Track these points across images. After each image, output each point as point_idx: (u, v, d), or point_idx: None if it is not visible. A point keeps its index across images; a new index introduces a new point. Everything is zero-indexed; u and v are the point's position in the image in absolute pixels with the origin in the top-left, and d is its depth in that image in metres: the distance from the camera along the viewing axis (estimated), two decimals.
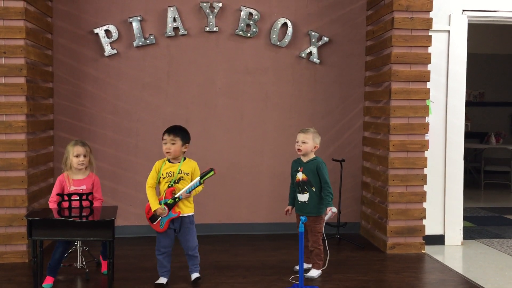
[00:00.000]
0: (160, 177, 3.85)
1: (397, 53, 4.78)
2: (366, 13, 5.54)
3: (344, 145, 5.61)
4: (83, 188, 3.92)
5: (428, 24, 4.78)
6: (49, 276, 3.84)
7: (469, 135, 8.74)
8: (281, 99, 5.53)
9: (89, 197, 3.82)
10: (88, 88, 5.31)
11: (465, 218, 6.12)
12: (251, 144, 5.53)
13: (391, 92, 4.79)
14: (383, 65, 5.02)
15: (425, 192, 4.91)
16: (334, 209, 4.02)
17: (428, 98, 4.87)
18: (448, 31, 5.25)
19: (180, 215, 3.81)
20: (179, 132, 3.85)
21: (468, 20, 5.30)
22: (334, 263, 4.48)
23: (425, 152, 4.90)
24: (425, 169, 4.90)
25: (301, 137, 4.15)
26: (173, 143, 3.81)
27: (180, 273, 4.13)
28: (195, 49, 5.40)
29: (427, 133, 4.89)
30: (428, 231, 5.14)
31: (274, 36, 5.44)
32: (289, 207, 4.30)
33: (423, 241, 4.94)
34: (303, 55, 5.49)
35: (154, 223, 3.83)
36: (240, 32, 5.41)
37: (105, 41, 5.25)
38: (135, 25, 5.26)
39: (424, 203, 4.92)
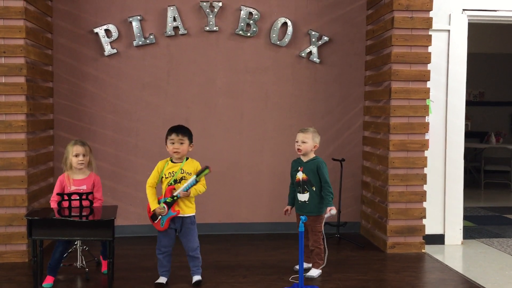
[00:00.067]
0: (163, 177, 3.85)
1: (397, 52, 4.78)
2: (366, 12, 5.54)
3: (344, 144, 5.61)
4: (83, 188, 3.92)
5: (428, 23, 4.78)
6: (49, 276, 3.84)
7: (469, 135, 8.73)
8: (281, 98, 5.53)
9: (89, 197, 3.82)
10: (88, 87, 5.31)
11: (465, 218, 6.12)
12: (251, 144, 5.53)
13: (391, 91, 4.79)
14: (383, 64, 5.02)
15: (425, 191, 4.91)
16: (333, 211, 4.02)
17: (428, 98, 4.86)
18: (448, 31, 5.25)
19: (180, 213, 3.81)
20: (186, 131, 3.87)
21: (468, 20, 5.30)
22: (334, 262, 4.49)
23: (425, 151, 4.90)
24: (425, 168, 4.90)
25: (300, 136, 4.15)
26: (181, 143, 3.82)
27: (180, 273, 4.13)
28: (195, 48, 5.40)
29: (427, 132, 4.89)
30: (428, 231, 5.14)
31: (274, 35, 5.44)
32: (288, 207, 4.30)
33: (423, 240, 4.94)
34: (303, 54, 5.49)
35: (155, 222, 3.84)
36: (240, 32, 5.41)
37: (105, 40, 5.25)
38: (135, 24, 5.26)
39: (424, 202, 4.92)
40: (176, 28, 5.33)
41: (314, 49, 5.49)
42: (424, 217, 4.91)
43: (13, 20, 4.36)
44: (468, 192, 6.98)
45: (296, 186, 4.21)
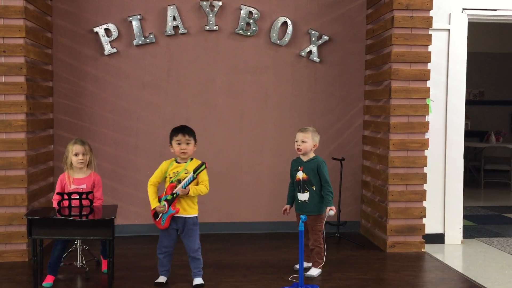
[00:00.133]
0: (167, 177, 3.85)
1: (397, 51, 4.77)
2: (366, 11, 5.53)
3: (344, 144, 5.61)
4: (83, 187, 3.93)
5: (428, 22, 4.78)
6: (49, 275, 3.84)
7: (469, 134, 8.72)
8: (281, 98, 5.53)
9: (89, 196, 3.82)
10: (88, 87, 5.31)
11: (465, 217, 6.12)
12: (251, 143, 5.53)
13: (391, 91, 4.79)
14: (383, 63, 5.02)
15: (425, 190, 4.91)
16: (332, 212, 4.02)
17: (428, 97, 4.86)
18: (448, 30, 5.25)
19: (179, 211, 3.80)
20: (192, 131, 3.88)
21: (468, 19, 5.29)
22: (334, 261, 4.49)
23: (425, 151, 4.90)
24: (425, 167, 4.90)
25: (300, 136, 4.15)
26: (188, 143, 3.83)
27: (181, 272, 4.13)
28: (195, 48, 5.40)
29: (427, 131, 4.89)
30: (428, 230, 5.14)
31: (274, 34, 5.44)
32: (287, 206, 4.30)
33: (423, 239, 4.94)
34: (303, 54, 5.49)
35: (157, 220, 3.84)
36: (240, 31, 5.41)
37: (105, 40, 5.25)
38: (135, 23, 5.26)
39: (424, 201, 4.92)
40: (176, 28, 5.32)
41: (314, 49, 5.49)
42: (424, 216, 4.91)
43: (13, 19, 4.36)
44: (468, 191, 6.99)
45: (296, 186, 4.21)
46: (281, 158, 5.37)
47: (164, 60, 5.37)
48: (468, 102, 6.30)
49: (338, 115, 5.60)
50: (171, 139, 3.88)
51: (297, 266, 4.19)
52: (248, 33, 5.42)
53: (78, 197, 3.78)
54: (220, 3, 5.32)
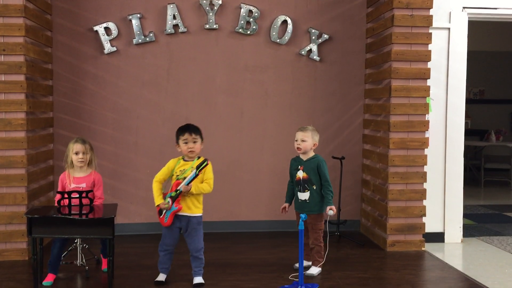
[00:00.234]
0: (173, 175, 3.85)
1: (397, 50, 4.77)
2: (366, 10, 5.53)
3: (344, 142, 5.60)
4: (83, 186, 3.92)
5: (428, 21, 4.77)
6: (50, 274, 3.85)
7: (469, 133, 8.74)
8: (281, 96, 5.52)
9: (89, 195, 3.82)
10: (87, 85, 5.31)
11: (465, 216, 6.12)
12: (251, 142, 5.53)
13: (391, 89, 4.79)
14: (383, 62, 5.02)
15: (425, 189, 4.91)
16: (332, 212, 4.02)
17: (428, 96, 4.86)
18: (448, 29, 5.24)
19: (182, 209, 3.79)
20: (198, 130, 3.88)
21: (469, 18, 5.29)
22: (334, 260, 4.49)
23: (425, 149, 4.89)
24: (425, 166, 4.90)
25: (300, 135, 4.15)
26: (195, 142, 3.83)
27: (181, 271, 4.13)
28: (195, 46, 5.39)
29: (427, 130, 4.89)
30: (428, 229, 5.14)
31: (274, 33, 5.43)
32: (286, 204, 4.30)
33: (423, 238, 4.94)
34: (303, 52, 5.49)
35: (161, 217, 3.85)
36: (240, 30, 5.40)
37: (104, 38, 5.24)
38: (135, 22, 5.26)
39: (424, 200, 4.91)
40: (176, 26, 5.32)
41: (314, 47, 5.48)
42: (424, 215, 4.91)
43: (12, 18, 4.36)
44: (468, 190, 6.99)
45: (297, 185, 4.21)
46: (281, 156, 5.37)
47: (164, 59, 5.37)
48: (468, 101, 6.30)
49: (338, 114, 5.59)
50: (177, 138, 3.87)
51: (297, 264, 4.19)
52: (248, 32, 5.41)
53: (78, 196, 3.78)
54: (220, 2, 5.32)
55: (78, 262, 4.10)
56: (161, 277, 3.92)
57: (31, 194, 4.56)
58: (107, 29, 5.25)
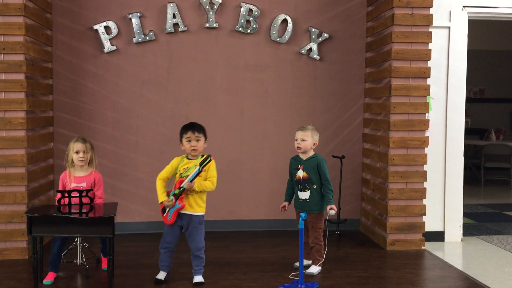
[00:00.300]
0: (177, 173, 3.85)
1: (397, 49, 4.77)
2: (366, 9, 5.52)
3: (344, 141, 5.60)
4: (83, 185, 3.92)
5: (428, 20, 4.77)
6: (50, 272, 3.86)
7: (469, 132, 8.75)
8: (281, 95, 5.52)
9: (89, 194, 3.82)
10: (87, 84, 5.30)
11: (465, 215, 6.12)
12: (251, 141, 5.52)
13: (391, 88, 4.79)
14: (383, 61, 5.01)
15: (425, 188, 4.91)
16: (332, 211, 4.02)
17: (428, 95, 4.86)
18: (449, 27, 5.24)
19: (185, 207, 3.79)
20: (201, 128, 3.89)
21: (469, 16, 5.29)
22: (334, 259, 4.49)
23: (425, 148, 4.89)
24: (425, 165, 4.90)
25: (300, 135, 4.14)
26: (198, 140, 3.84)
27: (181, 270, 4.13)
28: (195, 45, 5.39)
29: (427, 129, 4.89)
30: (428, 228, 5.14)
31: (274, 32, 5.43)
32: (286, 203, 4.30)
33: (423, 237, 4.94)
34: (303, 51, 5.48)
35: (164, 215, 3.85)
36: (240, 29, 5.40)
37: (104, 37, 5.24)
38: (135, 21, 5.25)
39: (424, 199, 4.92)
40: (176, 25, 5.32)
41: (314, 46, 5.48)
42: (424, 214, 4.91)
43: (12, 16, 4.36)
44: (468, 189, 6.99)
45: (297, 185, 4.21)
46: (281, 155, 5.37)
47: (164, 58, 5.37)
48: (468, 100, 6.30)
49: (338, 113, 5.59)
50: (181, 136, 3.89)
51: (297, 263, 4.19)
52: (248, 31, 5.41)
53: (78, 195, 3.78)
54: (220, 1, 5.31)
55: (78, 261, 4.10)
56: (161, 274, 3.92)
57: (31, 193, 4.56)
58: (107, 28, 5.25)
